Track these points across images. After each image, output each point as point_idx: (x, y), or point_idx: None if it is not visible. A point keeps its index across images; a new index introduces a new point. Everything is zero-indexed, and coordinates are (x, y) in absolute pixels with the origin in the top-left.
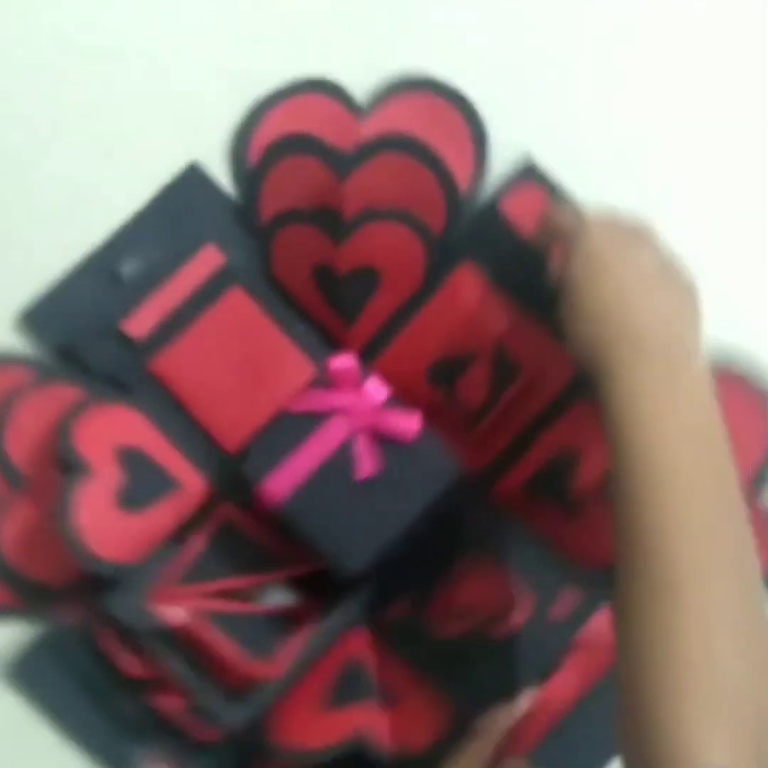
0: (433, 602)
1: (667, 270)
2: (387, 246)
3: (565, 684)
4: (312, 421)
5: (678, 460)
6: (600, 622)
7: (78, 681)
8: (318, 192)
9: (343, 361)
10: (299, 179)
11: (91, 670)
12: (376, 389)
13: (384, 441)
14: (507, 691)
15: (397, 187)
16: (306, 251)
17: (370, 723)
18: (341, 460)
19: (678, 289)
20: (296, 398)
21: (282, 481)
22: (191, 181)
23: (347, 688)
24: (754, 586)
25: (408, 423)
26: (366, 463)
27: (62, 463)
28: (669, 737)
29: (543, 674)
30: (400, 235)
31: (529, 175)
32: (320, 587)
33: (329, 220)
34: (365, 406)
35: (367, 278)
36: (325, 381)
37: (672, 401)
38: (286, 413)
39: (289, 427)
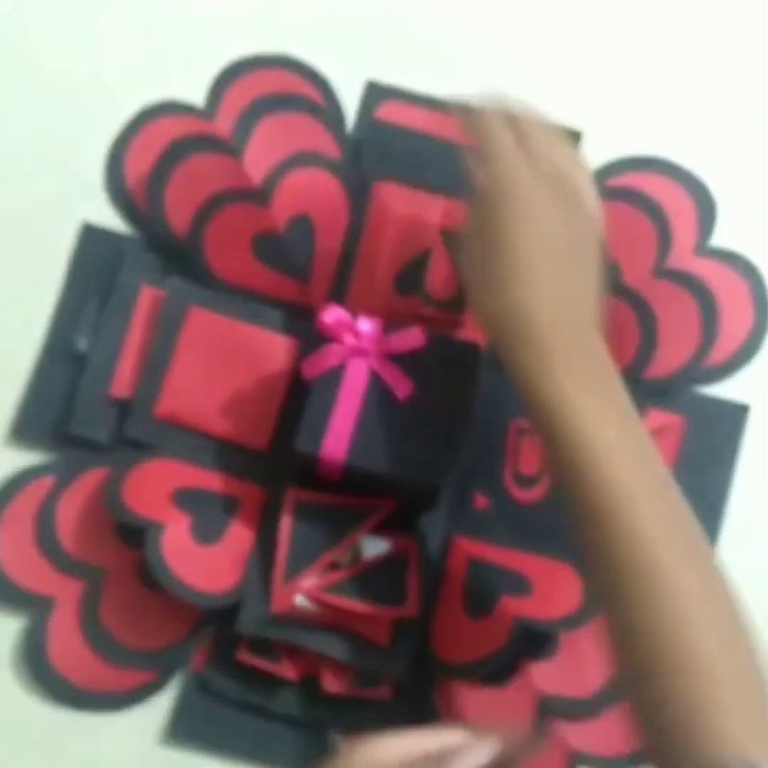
0: (505, 481)
1: (572, 212)
2: (306, 190)
3: None
4: (332, 377)
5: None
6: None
7: (240, 711)
8: (223, 179)
9: (332, 313)
10: (199, 179)
11: (247, 694)
12: (370, 323)
13: (403, 362)
14: None
15: (287, 140)
16: (239, 230)
17: (521, 609)
18: (376, 396)
19: (582, 250)
20: (307, 366)
21: (336, 442)
22: (92, 238)
23: (481, 591)
24: (719, 578)
25: (415, 336)
26: (401, 385)
27: (129, 532)
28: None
29: None
30: (312, 176)
31: (380, 93)
32: (403, 523)
33: (247, 193)
34: (370, 341)
35: (302, 227)
36: (320, 340)
37: (591, 391)
38: (306, 383)
39: (315, 393)
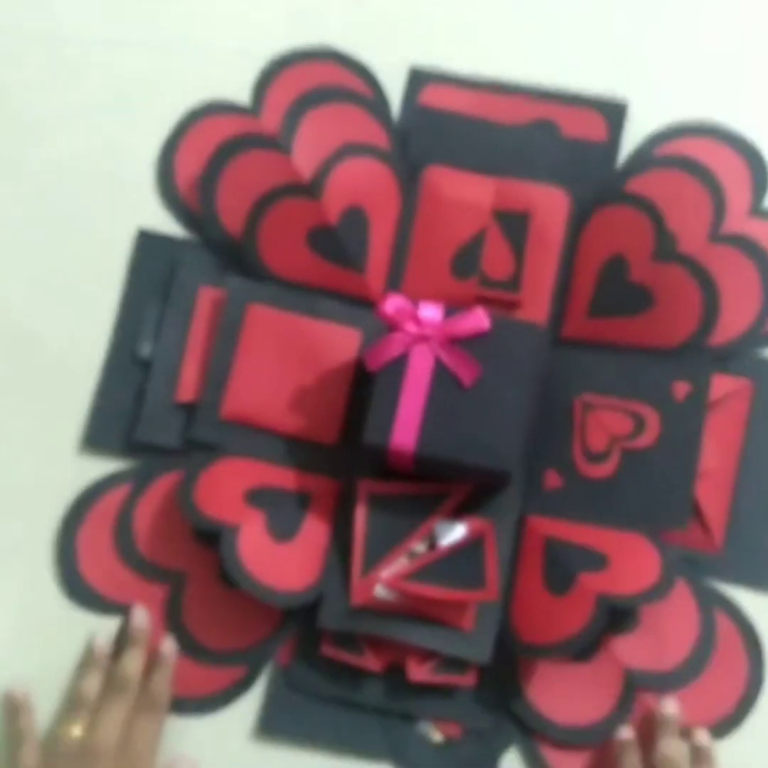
0: (575, 459)
1: None
2: (357, 180)
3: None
4: (397, 366)
5: None
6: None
7: (327, 704)
8: (274, 175)
9: (392, 302)
10: (250, 177)
11: (333, 687)
12: (431, 309)
13: (466, 346)
14: (682, 494)
15: (334, 132)
16: (293, 225)
17: (601, 584)
18: (441, 383)
19: None
20: (371, 356)
21: (404, 433)
22: (147, 244)
23: (559, 569)
24: None
25: (477, 319)
26: (466, 370)
27: (206, 536)
28: None
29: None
30: (361, 166)
31: (424, 78)
32: (475, 506)
33: (298, 188)
34: (432, 327)
35: (356, 218)
36: (382, 329)
37: None
38: (371, 374)
39: (380, 384)
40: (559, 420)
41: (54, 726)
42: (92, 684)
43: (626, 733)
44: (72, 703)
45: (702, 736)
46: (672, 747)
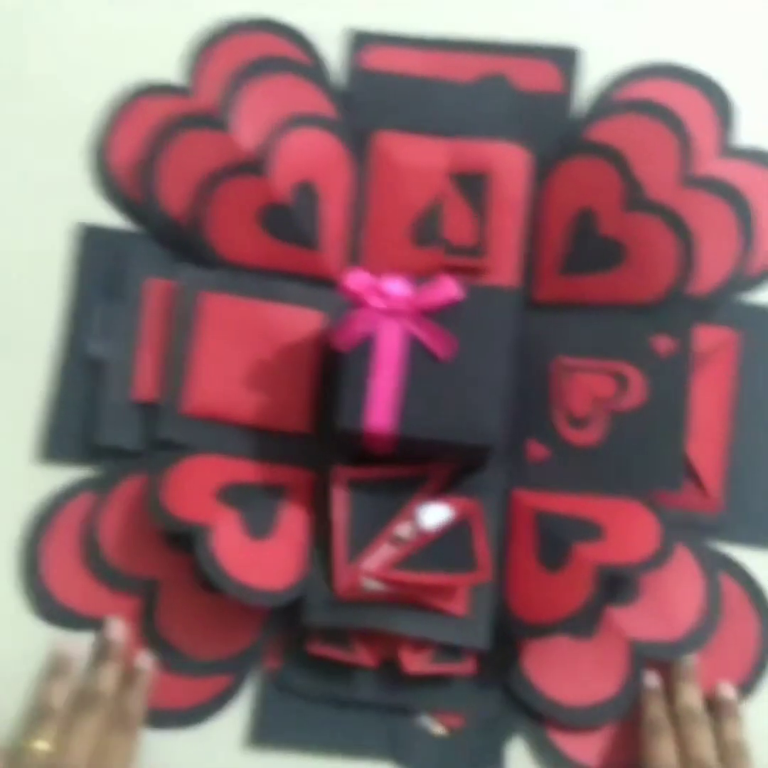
0: (558, 426)
1: None
2: (305, 153)
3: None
4: (366, 344)
5: None
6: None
7: (321, 704)
8: (216, 156)
9: (355, 277)
10: (191, 160)
11: (326, 686)
12: (397, 282)
13: (437, 318)
14: (674, 455)
15: (275, 105)
16: (242, 206)
17: (598, 555)
18: (415, 359)
19: None
20: (338, 336)
21: (380, 413)
22: (91, 240)
23: (553, 543)
24: None
25: (447, 289)
26: (440, 344)
27: (180, 538)
28: None
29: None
30: (308, 138)
31: (364, 40)
32: (459, 485)
33: (244, 167)
34: (400, 301)
35: (307, 193)
36: (345, 308)
37: None
38: (339, 354)
39: (350, 365)
40: (537, 387)
41: (20, 738)
42: (57, 693)
43: (651, 680)
44: (37, 714)
45: (727, 690)
46: (687, 695)
